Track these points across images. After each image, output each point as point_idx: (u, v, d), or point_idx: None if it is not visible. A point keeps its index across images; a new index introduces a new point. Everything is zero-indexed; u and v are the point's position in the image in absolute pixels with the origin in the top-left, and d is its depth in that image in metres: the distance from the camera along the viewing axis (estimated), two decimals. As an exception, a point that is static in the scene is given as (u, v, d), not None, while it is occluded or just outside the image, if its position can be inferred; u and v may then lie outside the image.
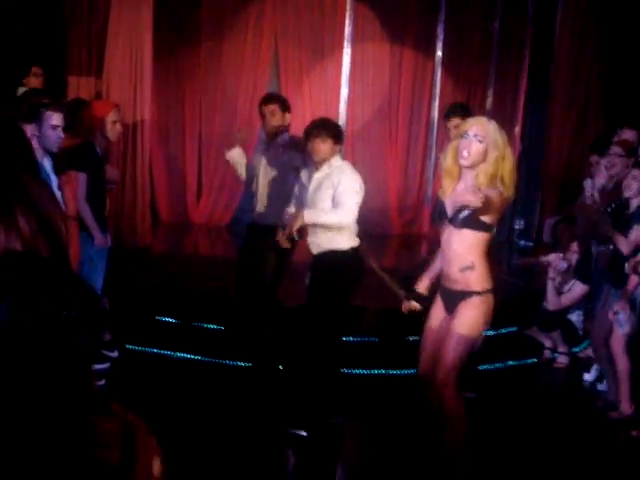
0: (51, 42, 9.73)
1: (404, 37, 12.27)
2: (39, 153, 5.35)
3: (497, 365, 7.78)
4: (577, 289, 7.99)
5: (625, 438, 6.36)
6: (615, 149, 7.43)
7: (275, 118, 6.71)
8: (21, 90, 7.86)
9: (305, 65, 12.18)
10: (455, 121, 6.53)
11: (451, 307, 4.91)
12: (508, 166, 4.69)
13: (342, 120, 12.22)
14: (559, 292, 7.99)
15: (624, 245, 6.56)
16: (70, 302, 1.23)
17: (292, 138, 6.87)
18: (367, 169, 12.33)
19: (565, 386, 7.87)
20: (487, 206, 4.46)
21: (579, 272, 7.86)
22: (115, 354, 7.10)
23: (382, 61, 12.34)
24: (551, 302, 7.98)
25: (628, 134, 7.94)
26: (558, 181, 10.56)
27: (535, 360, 8.16)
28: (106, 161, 7.10)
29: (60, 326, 1.20)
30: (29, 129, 5.27)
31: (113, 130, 6.63)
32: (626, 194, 6.70)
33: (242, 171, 7.26)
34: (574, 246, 8.04)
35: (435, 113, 12.44)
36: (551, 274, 7.92)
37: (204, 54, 12.03)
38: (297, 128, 12.08)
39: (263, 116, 6.80)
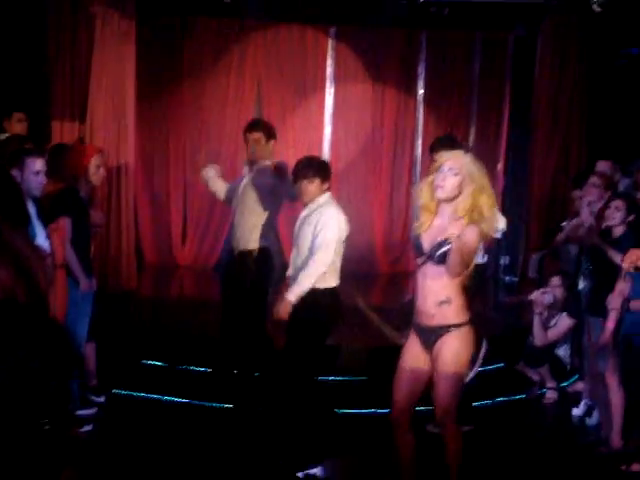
0: (34, 87, 9.75)
1: (385, 76, 12.35)
2: (21, 199, 5.34)
3: (486, 401, 7.75)
4: (563, 323, 8.01)
5: (614, 473, 6.33)
6: (591, 179, 7.50)
7: (259, 146, 6.74)
8: (3, 136, 7.87)
9: (288, 105, 12.24)
10: (442, 154, 6.50)
11: (430, 343, 4.87)
12: (487, 199, 4.67)
13: (326, 159, 12.26)
14: (545, 327, 8.01)
15: (618, 257, 6.56)
16: (40, 352, 1.23)
17: (277, 165, 6.90)
18: (352, 208, 12.35)
19: (554, 421, 7.85)
20: (465, 244, 4.52)
21: (568, 307, 7.90)
22: (102, 399, 7.05)
23: (364, 100, 12.41)
24: (538, 337, 7.99)
25: (603, 166, 8.02)
26: (542, 216, 10.61)
27: (523, 396, 8.14)
28: (90, 205, 7.09)
29: (30, 376, 1.20)
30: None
31: (97, 175, 6.62)
32: (608, 222, 6.71)
33: (215, 187, 7.32)
34: (555, 280, 8.07)
35: (418, 151, 12.50)
36: (537, 309, 7.94)
37: (187, 96, 12.08)
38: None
39: (247, 143, 6.82)
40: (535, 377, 8.23)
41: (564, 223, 8.30)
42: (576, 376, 8.24)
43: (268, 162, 6.93)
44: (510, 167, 12.39)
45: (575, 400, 7.79)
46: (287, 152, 12.19)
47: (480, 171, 4.71)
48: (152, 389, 7.44)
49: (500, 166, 12.46)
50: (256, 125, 7.02)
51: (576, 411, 7.62)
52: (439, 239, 4.68)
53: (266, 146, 6.84)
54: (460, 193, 4.66)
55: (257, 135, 6.80)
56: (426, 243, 4.79)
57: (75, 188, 6.45)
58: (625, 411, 6.59)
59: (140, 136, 11.35)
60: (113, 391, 7.31)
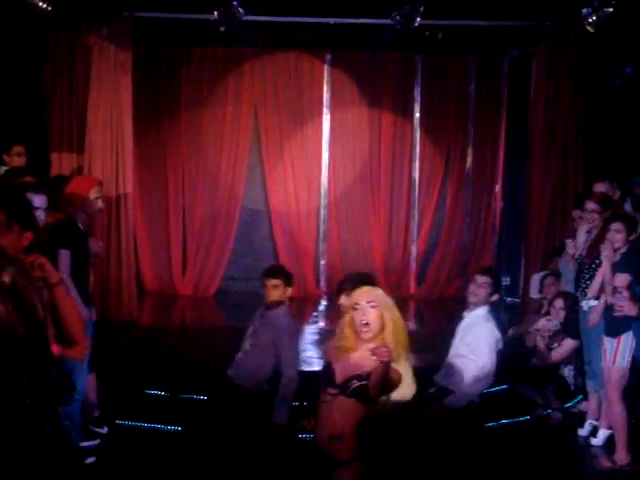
0: (32, 119, 9.79)
1: (382, 101, 12.40)
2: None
3: (490, 423, 7.71)
4: (567, 345, 8.00)
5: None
6: (589, 205, 7.52)
7: (277, 292, 6.67)
8: (2, 169, 7.88)
9: (285, 132, 12.28)
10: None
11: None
12: (401, 325, 4.48)
13: (324, 185, 12.30)
14: (549, 349, 8.00)
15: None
16: (32, 389, 1.21)
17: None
18: (351, 232, 12.42)
19: (559, 442, 7.80)
20: (383, 381, 4.28)
21: (568, 328, 7.89)
22: (105, 430, 7.01)
23: (361, 125, 12.44)
24: (542, 359, 7.98)
25: (600, 187, 8.04)
26: (541, 236, 10.60)
27: (528, 417, 8.10)
28: (89, 235, 7.09)
29: (22, 414, 1.19)
30: None
31: (95, 206, 6.63)
32: (615, 246, 6.76)
33: None
34: (559, 302, 8.06)
35: (416, 174, 12.52)
36: (545, 335, 7.96)
37: (185, 125, 12.12)
38: (279, 196, 12.25)
39: (265, 287, 6.73)
40: (540, 399, 8.19)
41: (568, 240, 8.31)
42: (580, 396, 8.20)
43: (284, 309, 6.82)
44: (508, 188, 12.41)
45: (580, 420, 7.76)
46: (285, 177, 12.26)
47: (389, 300, 4.52)
48: (155, 419, 7.40)
49: (498, 187, 12.49)
50: (276, 271, 6.92)
51: (581, 431, 7.59)
52: (352, 373, 4.42)
53: (284, 293, 6.76)
54: (382, 327, 4.44)
55: (276, 281, 6.74)
56: (340, 374, 4.48)
57: (73, 219, 6.45)
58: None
59: (138, 166, 11.39)
60: (116, 422, 7.27)
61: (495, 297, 6.52)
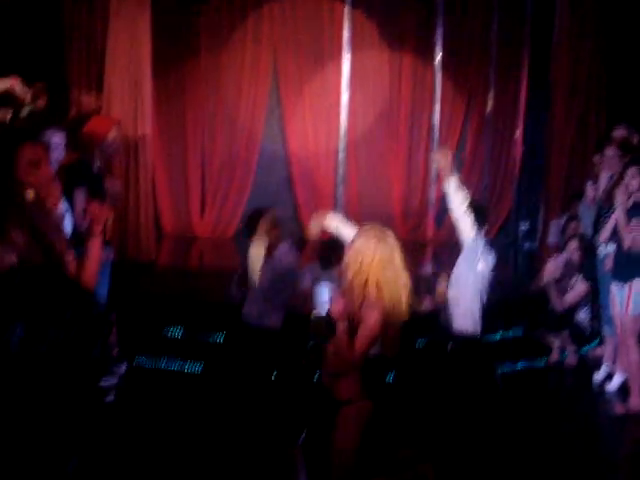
0: (51, 58, 9.74)
1: (403, 43, 12.27)
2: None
3: (506, 367, 7.75)
4: (581, 286, 7.99)
5: (634, 434, 6.34)
6: (608, 151, 7.46)
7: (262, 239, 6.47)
8: (27, 110, 7.86)
9: (305, 74, 12.18)
10: None
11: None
12: (379, 271, 4.41)
13: (343, 127, 12.22)
14: (564, 290, 8.01)
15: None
16: (75, 321, 1.21)
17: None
18: (369, 176, 12.38)
19: (574, 386, 7.84)
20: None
21: (584, 271, 7.89)
22: (123, 368, 7.09)
23: (382, 67, 12.33)
24: (556, 303, 7.98)
25: (619, 132, 7.95)
26: (561, 182, 10.52)
27: (544, 361, 8.14)
28: (107, 175, 7.10)
29: (69, 347, 1.19)
30: None
31: (113, 146, 6.63)
32: (630, 191, 6.72)
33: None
34: (573, 243, 8.04)
35: (436, 117, 12.42)
36: (551, 277, 7.96)
37: (204, 67, 12.05)
38: (298, 138, 12.20)
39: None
40: (555, 342, 8.22)
41: (589, 182, 8.26)
42: (597, 341, 8.22)
43: (286, 246, 6.63)
44: (528, 133, 12.29)
45: (595, 365, 7.79)
46: (304, 120, 12.20)
47: (371, 246, 4.44)
48: (172, 358, 7.48)
49: (519, 132, 12.37)
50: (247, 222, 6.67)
51: (597, 376, 7.62)
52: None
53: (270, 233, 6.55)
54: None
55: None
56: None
57: (88, 159, 6.46)
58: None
59: (157, 107, 11.35)
60: (134, 361, 7.36)
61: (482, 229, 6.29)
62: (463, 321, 5.99)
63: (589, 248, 7.74)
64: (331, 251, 5.93)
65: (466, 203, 5.86)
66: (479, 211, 6.14)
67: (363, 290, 4.39)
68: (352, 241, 4.56)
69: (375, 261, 4.41)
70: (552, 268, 7.98)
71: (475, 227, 5.96)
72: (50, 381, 1.16)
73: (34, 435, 1.16)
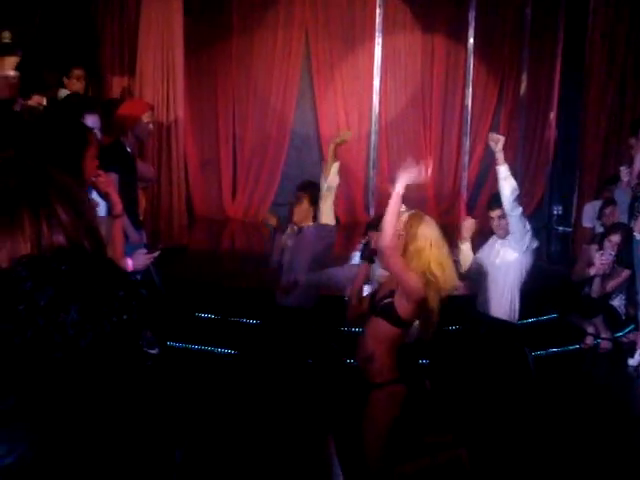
0: (84, 42, 9.77)
1: (435, 25, 12.19)
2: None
3: (539, 352, 7.71)
4: (622, 274, 7.92)
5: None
6: None
7: (301, 209, 6.46)
8: (63, 92, 7.90)
9: (336, 57, 12.14)
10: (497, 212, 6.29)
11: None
12: (434, 256, 4.45)
13: (375, 111, 12.17)
14: (603, 277, 7.95)
15: None
16: (129, 303, 1.20)
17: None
18: (401, 159, 12.27)
19: (608, 371, 7.79)
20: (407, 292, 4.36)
21: (622, 258, 7.81)
22: (156, 351, 7.13)
23: (414, 50, 12.27)
24: (596, 291, 7.93)
25: None
26: (596, 165, 10.42)
27: (577, 347, 8.08)
28: (140, 159, 7.12)
29: (124, 333, 1.18)
30: None
31: (146, 129, 6.64)
32: None
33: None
34: (616, 237, 7.93)
35: (469, 100, 12.34)
36: (600, 272, 7.89)
37: (235, 50, 12.04)
38: (329, 121, 12.16)
39: (291, 205, 6.55)
40: (589, 328, 8.16)
41: (622, 167, 8.17)
42: (631, 326, 8.15)
43: (312, 228, 6.58)
44: (563, 116, 12.17)
45: (630, 350, 7.72)
46: (336, 103, 12.16)
47: (425, 231, 4.50)
48: (205, 341, 7.51)
49: (553, 115, 12.26)
50: (302, 186, 6.53)
51: (632, 361, 7.56)
52: (383, 292, 4.56)
53: (308, 209, 6.50)
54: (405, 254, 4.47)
55: (300, 194, 6.47)
56: (377, 296, 4.64)
57: (122, 142, 6.48)
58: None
59: (189, 90, 11.36)
60: (167, 343, 7.39)
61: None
62: (501, 307, 5.99)
63: (628, 236, 7.66)
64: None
65: (516, 192, 5.93)
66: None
67: (426, 270, 4.40)
68: (405, 226, 4.53)
69: (434, 243, 4.47)
70: (601, 265, 7.88)
71: (523, 217, 6.00)
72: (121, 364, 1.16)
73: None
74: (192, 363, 7.24)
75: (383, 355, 4.50)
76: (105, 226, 4.06)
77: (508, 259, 6.02)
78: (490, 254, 6.18)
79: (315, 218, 6.36)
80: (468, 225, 6.27)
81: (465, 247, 6.22)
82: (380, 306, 4.51)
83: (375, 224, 5.54)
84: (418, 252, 4.43)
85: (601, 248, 7.96)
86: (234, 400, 6.39)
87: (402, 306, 4.42)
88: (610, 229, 8.12)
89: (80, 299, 1.10)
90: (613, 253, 7.83)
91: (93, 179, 4.02)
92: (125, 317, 1.16)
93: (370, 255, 5.08)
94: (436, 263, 4.43)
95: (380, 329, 4.50)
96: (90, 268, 1.18)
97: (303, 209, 6.32)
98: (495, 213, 6.23)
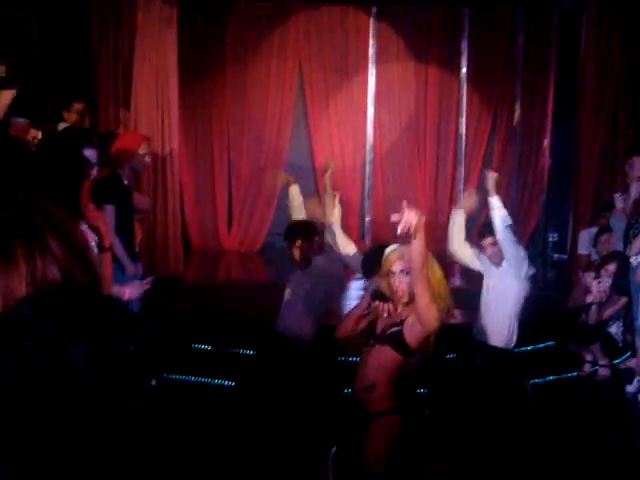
0: (79, 75, 9.81)
1: (428, 54, 12.26)
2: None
3: (537, 380, 7.68)
4: (618, 302, 7.93)
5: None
6: (637, 161, 7.42)
7: (300, 250, 6.30)
8: (62, 126, 7.92)
9: (330, 87, 12.20)
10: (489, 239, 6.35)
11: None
12: (437, 276, 4.46)
13: (370, 140, 12.22)
14: (600, 305, 7.95)
15: None
16: (135, 336, 1.21)
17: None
18: (397, 188, 12.35)
19: (607, 399, 7.76)
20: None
21: (618, 285, 7.81)
22: (153, 383, 7.08)
23: (407, 79, 12.32)
24: (593, 318, 7.93)
25: None
26: (590, 192, 10.46)
27: (575, 374, 8.06)
28: (136, 190, 7.14)
29: (131, 365, 1.18)
30: None
31: (142, 162, 6.67)
32: None
33: (293, 212, 6.87)
34: (612, 266, 7.95)
35: (463, 129, 12.39)
36: (597, 300, 7.89)
37: (230, 82, 12.09)
38: (324, 151, 12.20)
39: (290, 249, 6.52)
40: (587, 355, 8.14)
41: (616, 195, 8.19)
42: (629, 353, 8.13)
43: (319, 260, 6.54)
44: (556, 143, 12.22)
45: (629, 377, 7.70)
46: (330, 133, 12.21)
47: (424, 253, 4.35)
48: (201, 373, 7.48)
49: (546, 142, 12.31)
50: (289, 234, 6.40)
51: (630, 388, 7.54)
52: (391, 321, 4.52)
53: (310, 245, 6.45)
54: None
55: (295, 243, 6.45)
56: (379, 327, 4.58)
57: (119, 174, 6.50)
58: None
59: (184, 121, 11.40)
60: (163, 375, 7.35)
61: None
62: (499, 335, 6.01)
63: (623, 263, 7.68)
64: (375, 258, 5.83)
65: (508, 222, 5.99)
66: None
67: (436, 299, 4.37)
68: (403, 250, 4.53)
69: (432, 264, 4.47)
70: (598, 293, 7.90)
71: (517, 244, 6.05)
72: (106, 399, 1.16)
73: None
74: (188, 394, 7.21)
75: (385, 384, 4.49)
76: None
77: (505, 286, 6.06)
78: (488, 282, 6.21)
79: (321, 249, 6.34)
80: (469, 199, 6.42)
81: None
82: (387, 335, 4.48)
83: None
84: (431, 282, 4.41)
85: (598, 276, 7.96)
86: (231, 429, 6.36)
87: (413, 335, 4.40)
88: (606, 258, 8.13)
89: (86, 332, 1.10)
90: (610, 281, 7.83)
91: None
92: (132, 348, 1.16)
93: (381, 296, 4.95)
94: (442, 292, 4.45)
95: (384, 357, 4.48)
96: (91, 302, 1.18)
97: (299, 250, 6.25)
98: (487, 241, 6.28)
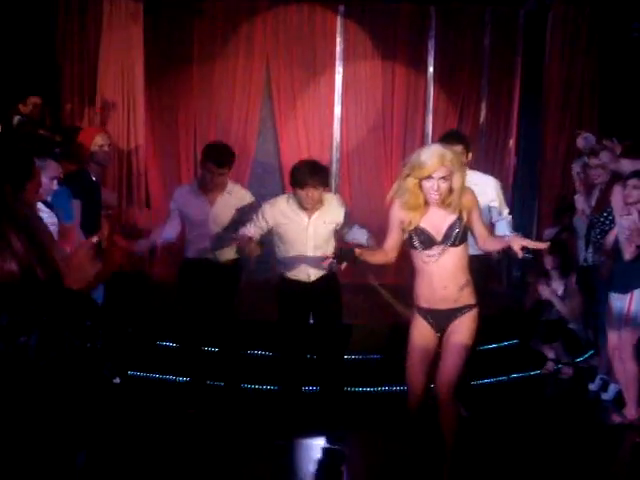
0: (44, 70, 9.74)
1: (395, 53, 12.26)
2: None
3: (500, 378, 7.75)
4: (575, 300, 8.03)
5: (631, 445, 6.34)
6: (592, 161, 7.50)
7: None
8: (17, 119, 7.86)
9: (297, 85, 12.17)
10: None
11: (444, 325, 5.04)
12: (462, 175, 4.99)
13: (336, 139, 12.23)
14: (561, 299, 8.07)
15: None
16: (95, 332, 1.21)
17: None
18: (363, 187, 12.37)
19: (570, 396, 7.84)
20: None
21: (578, 281, 7.92)
22: (117, 381, 7.06)
23: (374, 78, 12.32)
24: (562, 309, 8.06)
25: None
26: (554, 192, 10.55)
27: (538, 372, 8.14)
28: (102, 186, 7.13)
29: (86, 359, 1.19)
30: None
31: (102, 154, 6.68)
32: (627, 200, 6.67)
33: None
34: (555, 274, 8.15)
35: (429, 128, 12.42)
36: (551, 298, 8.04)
37: (196, 79, 12.02)
38: (291, 150, 12.17)
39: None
40: (550, 353, 8.22)
41: (576, 196, 8.28)
42: (591, 351, 8.22)
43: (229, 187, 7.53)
44: (522, 143, 12.31)
45: (590, 375, 7.79)
46: (297, 131, 12.20)
47: (459, 159, 5.07)
48: (166, 370, 7.46)
49: (512, 142, 12.38)
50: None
51: (592, 386, 7.62)
52: (448, 224, 4.97)
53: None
54: (451, 191, 4.96)
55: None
56: (435, 233, 4.99)
57: (85, 170, 6.48)
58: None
59: (150, 118, 11.33)
60: (128, 372, 7.33)
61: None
62: None
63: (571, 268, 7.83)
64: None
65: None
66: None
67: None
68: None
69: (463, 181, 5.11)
70: (549, 294, 8.09)
71: None
72: (65, 385, 1.16)
73: (40, 431, 1.16)
74: (152, 391, 7.20)
75: (469, 278, 5.06)
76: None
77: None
78: None
79: None
80: None
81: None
82: (456, 237, 4.94)
83: None
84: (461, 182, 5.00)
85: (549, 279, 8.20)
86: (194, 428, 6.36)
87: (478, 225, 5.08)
88: (554, 266, 8.32)
89: (41, 324, 1.11)
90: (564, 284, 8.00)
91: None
92: (89, 345, 1.16)
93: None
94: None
95: (464, 255, 5.01)
96: (48, 296, 1.18)
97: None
98: None
